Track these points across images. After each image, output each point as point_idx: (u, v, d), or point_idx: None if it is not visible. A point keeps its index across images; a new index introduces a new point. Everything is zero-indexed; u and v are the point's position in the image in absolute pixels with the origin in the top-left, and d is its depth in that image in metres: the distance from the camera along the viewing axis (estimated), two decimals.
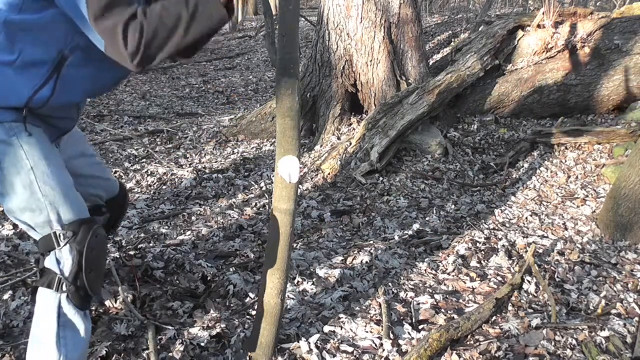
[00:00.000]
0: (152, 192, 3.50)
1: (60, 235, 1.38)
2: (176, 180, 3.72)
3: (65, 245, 1.38)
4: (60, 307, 1.39)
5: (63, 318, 1.40)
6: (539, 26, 4.70)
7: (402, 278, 2.44)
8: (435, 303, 2.22)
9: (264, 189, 3.61)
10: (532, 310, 2.17)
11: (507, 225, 3.06)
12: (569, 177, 3.68)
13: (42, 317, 1.41)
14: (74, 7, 1.21)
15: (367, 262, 2.56)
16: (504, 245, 2.72)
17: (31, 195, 1.35)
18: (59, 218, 1.38)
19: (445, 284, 2.40)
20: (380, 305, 2.17)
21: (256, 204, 3.33)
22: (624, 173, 2.86)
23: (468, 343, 1.96)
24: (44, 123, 1.42)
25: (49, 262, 1.40)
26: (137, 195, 3.41)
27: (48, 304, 1.40)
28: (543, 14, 4.69)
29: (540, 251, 2.68)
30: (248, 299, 2.23)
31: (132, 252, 2.48)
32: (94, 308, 2.02)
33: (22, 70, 1.29)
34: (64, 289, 1.38)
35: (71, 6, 1.22)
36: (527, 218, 3.13)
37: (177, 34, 1.22)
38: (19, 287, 2.18)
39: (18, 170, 1.34)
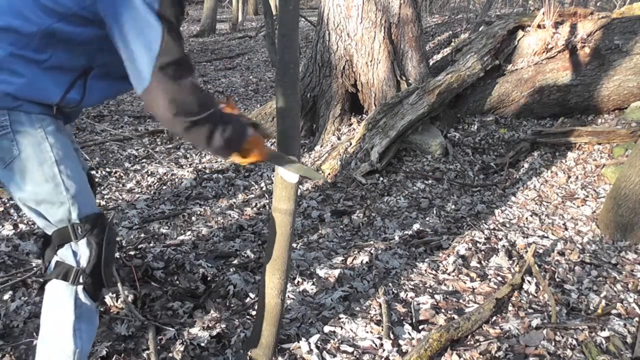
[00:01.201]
0: (152, 192, 3.50)
1: (77, 228, 1.39)
2: (176, 180, 3.72)
3: (83, 238, 1.39)
4: (77, 299, 1.40)
5: (79, 309, 1.40)
6: (539, 26, 4.70)
7: (402, 278, 2.44)
8: (435, 303, 2.22)
9: (264, 189, 3.61)
10: (532, 310, 2.17)
11: (507, 225, 3.06)
12: (569, 177, 3.68)
13: (56, 309, 1.41)
14: (133, 40, 1.21)
15: (367, 262, 2.56)
16: (504, 245, 2.71)
17: (54, 187, 1.35)
18: (78, 212, 1.39)
19: (445, 284, 2.40)
20: (380, 305, 2.17)
21: (256, 204, 3.33)
22: (624, 173, 2.86)
23: (468, 343, 1.96)
24: (64, 116, 1.43)
25: (64, 255, 1.40)
26: (137, 195, 3.41)
27: (63, 296, 1.39)
28: (543, 14, 4.69)
29: (540, 251, 2.68)
30: (248, 299, 2.23)
31: (132, 252, 2.48)
32: None
33: (50, 71, 1.31)
34: (81, 280, 1.39)
35: (129, 39, 1.21)
36: (527, 218, 3.13)
37: (212, 139, 1.33)
38: (19, 287, 2.18)
39: (41, 162, 1.33)
